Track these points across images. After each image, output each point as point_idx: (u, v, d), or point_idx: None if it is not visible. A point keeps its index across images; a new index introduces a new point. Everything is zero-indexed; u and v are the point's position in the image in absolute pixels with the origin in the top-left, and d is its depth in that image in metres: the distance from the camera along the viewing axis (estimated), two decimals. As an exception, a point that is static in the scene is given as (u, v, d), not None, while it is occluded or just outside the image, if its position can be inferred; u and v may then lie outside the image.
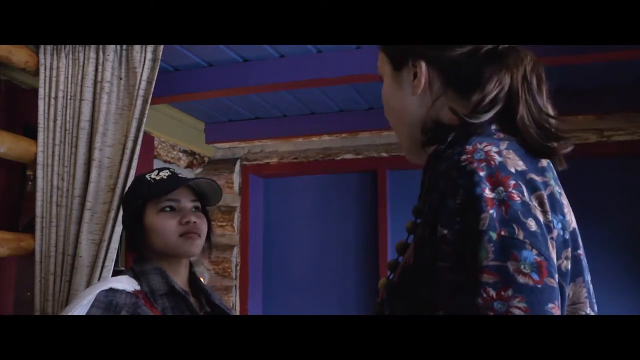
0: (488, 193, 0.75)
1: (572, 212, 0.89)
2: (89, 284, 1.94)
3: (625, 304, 3.00)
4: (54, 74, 2.10)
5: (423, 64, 0.96)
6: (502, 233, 0.74)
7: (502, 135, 0.86)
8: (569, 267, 0.83)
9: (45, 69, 2.11)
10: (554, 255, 0.77)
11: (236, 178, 3.72)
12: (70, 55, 2.10)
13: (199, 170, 3.75)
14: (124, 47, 2.07)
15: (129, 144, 2.00)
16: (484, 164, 0.78)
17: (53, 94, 2.09)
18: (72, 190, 2.03)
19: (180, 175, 1.66)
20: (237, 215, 3.68)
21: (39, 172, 2.06)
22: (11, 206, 2.22)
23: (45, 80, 2.11)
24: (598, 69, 2.66)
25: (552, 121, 0.90)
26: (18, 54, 2.08)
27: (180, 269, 1.65)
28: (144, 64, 2.04)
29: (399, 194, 3.47)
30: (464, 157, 0.79)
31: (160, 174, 1.65)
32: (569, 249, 0.84)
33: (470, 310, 0.72)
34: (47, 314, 1.98)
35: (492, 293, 0.71)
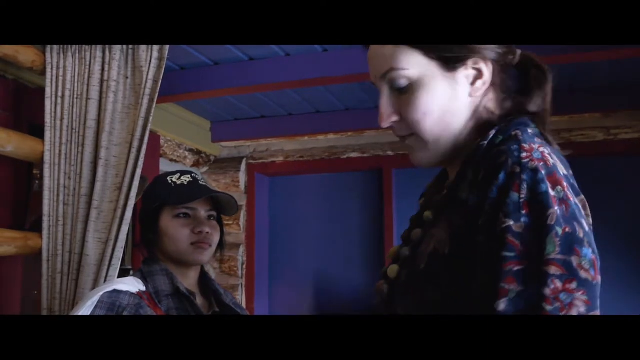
0: (551, 191, 0.81)
1: None
2: (96, 282, 1.95)
3: (631, 303, 2.99)
4: (61, 73, 2.11)
5: (491, 65, 0.96)
6: (567, 229, 0.79)
7: (539, 140, 0.91)
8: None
9: (52, 68, 2.12)
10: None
11: (242, 177, 3.72)
12: (77, 55, 2.10)
13: (204, 169, 3.76)
14: (130, 46, 2.07)
15: (135, 143, 2.01)
16: (542, 163, 0.83)
17: (60, 93, 2.10)
18: (79, 189, 2.03)
19: (201, 182, 1.67)
20: (243, 214, 3.69)
21: (46, 171, 2.07)
22: (18, 205, 2.23)
23: (52, 80, 2.11)
24: (605, 67, 2.65)
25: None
26: (25, 54, 2.09)
27: (190, 271, 1.66)
28: (150, 63, 2.04)
29: (404, 192, 3.47)
30: (524, 154, 0.83)
31: (182, 178, 1.66)
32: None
33: (536, 299, 0.76)
34: (54, 313, 1.99)
35: (559, 285, 0.76)
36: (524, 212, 0.80)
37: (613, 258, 3.06)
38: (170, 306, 1.55)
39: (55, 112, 2.10)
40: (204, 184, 1.67)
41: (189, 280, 1.65)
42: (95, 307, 1.49)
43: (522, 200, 0.80)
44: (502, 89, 0.98)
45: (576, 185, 0.87)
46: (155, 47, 2.05)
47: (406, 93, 0.96)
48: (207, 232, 1.62)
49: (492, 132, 0.92)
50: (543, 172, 0.81)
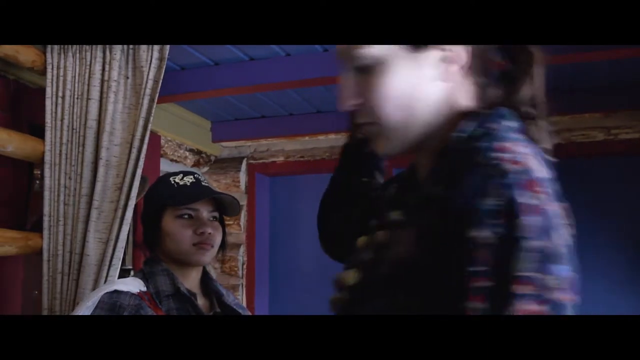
0: (527, 199, 0.71)
1: None
2: (96, 282, 1.95)
3: (632, 303, 2.99)
4: (61, 73, 2.11)
5: (461, 48, 0.85)
6: (541, 243, 0.70)
7: (521, 137, 0.82)
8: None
9: (52, 68, 2.12)
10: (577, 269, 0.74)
11: (242, 177, 3.72)
12: (77, 55, 2.11)
13: (205, 169, 3.76)
14: (131, 46, 2.07)
15: (136, 143, 2.01)
16: (521, 166, 0.74)
17: (60, 93, 2.10)
18: (80, 189, 2.03)
19: (203, 183, 1.67)
20: (243, 214, 3.69)
21: (47, 171, 2.07)
22: (19, 205, 2.23)
23: (52, 80, 2.11)
24: (605, 67, 2.65)
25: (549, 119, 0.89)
26: (25, 54, 2.09)
27: (191, 271, 1.66)
28: (150, 63, 2.04)
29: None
30: (502, 155, 0.75)
31: (185, 178, 1.65)
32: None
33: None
34: (54, 313, 1.99)
35: (528, 306, 0.69)
36: (496, 221, 0.70)
37: (613, 257, 3.07)
38: (170, 307, 1.55)
39: (55, 112, 2.10)
40: (206, 184, 1.67)
41: (190, 281, 1.65)
42: (96, 307, 1.49)
43: (495, 208, 0.70)
44: (482, 73, 0.88)
45: (559, 190, 0.77)
46: (156, 47, 2.05)
47: (369, 74, 0.87)
48: (210, 233, 1.62)
49: (468, 124, 0.82)
50: (522, 176, 0.72)
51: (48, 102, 2.10)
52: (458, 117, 0.86)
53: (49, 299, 2.01)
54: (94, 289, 1.92)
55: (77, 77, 2.10)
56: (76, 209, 2.03)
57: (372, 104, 0.88)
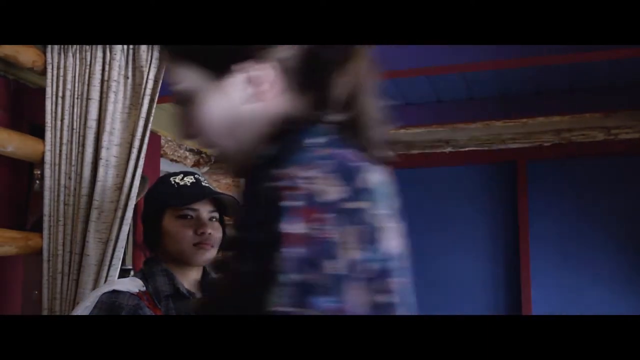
0: (295, 229, 0.66)
1: (400, 234, 0.79)
2: (96, 282, 1.95)
3: (632, 303, 2.99)
4: (62, 73, 2.11)
5: (267, 66, 0.83)
6: (299, 276, 0.65)
7: (329, 151, 0.75)
8: (391, 300, 0.74)
9: (52, 68, 2.12)
10: (361, 298, 0.69)
11: (242, 177, 3.72)
12: (78, 55, 2.11)
13: (205, 169, 3.76)
14: (131, 46, 2.07)
15: (136, 143, 2.01)
16: (298, 193, 0.68)
17: (60, 93, 2.10)
18: (80, 189, 2.03)
19: (204, 184, 1.67)
20: (243, 214, 3.68)
21: (47, 171, 2.07)
22: (19, 205, 2.23)
23: (52, 80, 2.11)
24: (605, 67, 2.65)
25: (385, 126, 0.85)
26: (25, 54, 2.09)
27: (191, 271, 1.66)
28: (150, 63, 2.04)
29: (405, 191, 3.46)
30: (274, 184, 0.69)
31: (185, 179, 1.66)
32: (391, 279, 0.74)
33: None
34: (54, 313, 1.99)
35: None
36: (255, 254, 0.67)
37: (614, 257, 3.07)
38: (169, 307, 1.55)
39: (55, 112, 2.10)
40: (206, 185, 1.68)
41: (190, 281, 1.65)
42: (95, 307, 1.49)
43: (261, 240, 0.67)
44: (298, 90, 0.85)
45: (357, 209, 0.71)
46: (156, 47, 2.05)
47: (188, 106, 0.87)
48: (210, 233, 1.62)
49: (268, 148, 0.79)
50: (295, 205, 0.67)
51: (48, 102, 2.10)
52: (268, 139, 0.83)
53: (49, 299, 2.01)
54: (94, 289, 1.92)
55: (77, 77, 2.10)
56: (76, 209, 2.03)
57: (198, 135, 0.88)
